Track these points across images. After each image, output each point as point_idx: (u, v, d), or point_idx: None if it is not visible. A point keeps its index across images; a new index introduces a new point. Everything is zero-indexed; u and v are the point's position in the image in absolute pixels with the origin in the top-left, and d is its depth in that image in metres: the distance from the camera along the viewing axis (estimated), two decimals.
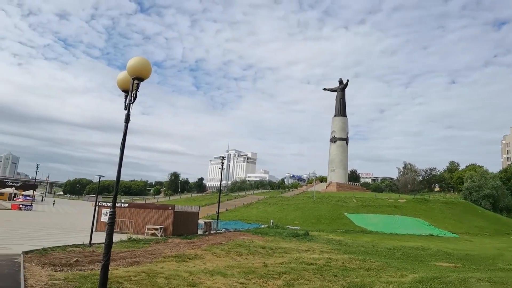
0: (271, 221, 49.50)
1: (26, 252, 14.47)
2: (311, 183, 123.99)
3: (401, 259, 21.64)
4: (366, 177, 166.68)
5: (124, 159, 6.59)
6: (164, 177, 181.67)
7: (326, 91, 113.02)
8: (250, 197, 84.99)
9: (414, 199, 69.19)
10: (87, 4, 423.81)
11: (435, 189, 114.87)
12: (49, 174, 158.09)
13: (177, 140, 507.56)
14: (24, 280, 9.50)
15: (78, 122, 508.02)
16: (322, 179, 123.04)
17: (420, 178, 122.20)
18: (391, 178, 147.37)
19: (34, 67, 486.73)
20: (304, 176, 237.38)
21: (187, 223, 31.24)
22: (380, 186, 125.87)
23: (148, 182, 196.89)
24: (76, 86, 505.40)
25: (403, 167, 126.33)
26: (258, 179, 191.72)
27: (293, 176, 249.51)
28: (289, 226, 46.39)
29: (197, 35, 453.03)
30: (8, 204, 64.74)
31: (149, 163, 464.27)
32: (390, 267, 17.61)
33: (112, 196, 6.66)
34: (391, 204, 63.30)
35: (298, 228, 44.67)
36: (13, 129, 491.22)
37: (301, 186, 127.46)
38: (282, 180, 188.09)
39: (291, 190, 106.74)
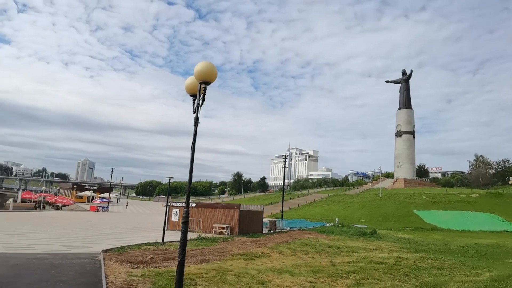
0: (336, 219, 48.63)
1: (105, 251, 15.48)
2: (376, 180, 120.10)
3: (475, 257, 20.25)
4: (435, 172, 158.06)
5: (188, 161, 6.80)
6: (227, 177, 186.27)
7: (389, 83, 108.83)
8: (314, 195, 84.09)
9: (487, 193, 64.99)
10: (149, 16, 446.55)
11: (510, 182, 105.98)
12: (122, 178, 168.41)
13: (239, 140, 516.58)
14: (105, 276, 10.16)
15: (147, 128, 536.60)
16: (388, 176, 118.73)
17: (493, 171, 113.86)
18: (462, 172, 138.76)
19: (105, 79, 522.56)
20: (369, 173, 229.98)
21: (252, 222, 31.64)
22: (451, 181, 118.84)
23: (213, 182, 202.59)
24: (143, 94, 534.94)
25: (474, 160, 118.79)
26: (320, 177, 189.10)
27: (357, 173, 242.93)
28: (355, 225, 45.29)
29: (253, 36, 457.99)
30: (87, 206, 69.94)
31: (213, 164, 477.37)
32: (464, 266, 16.55)
33: (181, 197, 6.91)
34: (462, 200, 59.66)
35: (365, 226, 43.43)
36: (88, 137, 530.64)
37: (366, 183, 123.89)
38: (346, 177, 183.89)
39: (355, 187, 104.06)
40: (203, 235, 25.17)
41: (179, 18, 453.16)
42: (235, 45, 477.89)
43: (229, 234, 28.44)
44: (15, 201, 65.52)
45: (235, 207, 30.84)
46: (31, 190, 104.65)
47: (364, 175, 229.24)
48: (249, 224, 30.84)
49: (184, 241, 6.46)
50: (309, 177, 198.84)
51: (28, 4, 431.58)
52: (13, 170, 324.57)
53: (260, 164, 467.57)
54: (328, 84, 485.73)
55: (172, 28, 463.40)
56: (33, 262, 12.03)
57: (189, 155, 6.73)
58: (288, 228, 39.31)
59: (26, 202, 67.53)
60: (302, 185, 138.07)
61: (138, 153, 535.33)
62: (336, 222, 46.79)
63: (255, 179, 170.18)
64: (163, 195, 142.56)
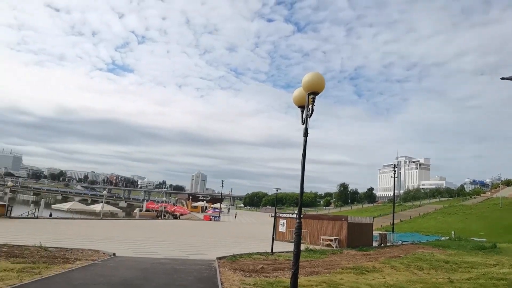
0: (453, 232, 44.49)
1: (220, 258, 16.31)
2: (495, 188, 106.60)
3: None
4: None
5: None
6: (332, 188, 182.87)
7: (505, 80, 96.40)
8: (426, 206, 78.10)
9: None
10: (250, 35, 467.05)
11: None
12: (231, 189, 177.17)
13: (343, 150, 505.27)
14: (221, 283, 10.70)
15: (252, 141, 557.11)
16: (509, 183, 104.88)
17: None
18: None
19: (213, 97, 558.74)
20: (487, 181, 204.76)
21: (361, 234, 30.49)
22: None
23: (318, 193, 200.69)
24: (247, 109, 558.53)
25: None
26: (433, 186, 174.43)
27: (473, 181, 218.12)
28: (473, 238, 40.89)
29: (354, 43, 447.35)
30: (201, 215, 74.77)
31: (317, 174, 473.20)
32: None
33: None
34: None
35: (484, 240, 38.92)
36: (201, 152, 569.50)
37: (484, 192, 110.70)
38: (461, 186, 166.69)
39: (472, 197, 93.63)
40: (311, 247, 25.00)
41: (278, 34, 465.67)
42: (335, 53, 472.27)
43: (337, 246, 27.77)
44: (140, 210, 73.23)
45: (343, 219, 30.05)
46: (154, 201, 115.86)
47: (482, 183, 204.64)
48: (358, 237, 29.75)
49: (297, 252, 6.51)
50: (421, 187, 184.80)
51: (146, 36, 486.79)
52: (138, 183, 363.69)
53: (367, 174, 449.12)
54: (437, 85, 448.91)
55: (272, 44, 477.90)
56: (158, 266, 13.23)
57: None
58: (400, 241, 37.08)
59: (150, 211, 74.96)
60: (413, 195, 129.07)
61: (244, 165, 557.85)
62: (452, 235, 42.91)
63: (361, 189, 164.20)
64: (269, 205, 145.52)
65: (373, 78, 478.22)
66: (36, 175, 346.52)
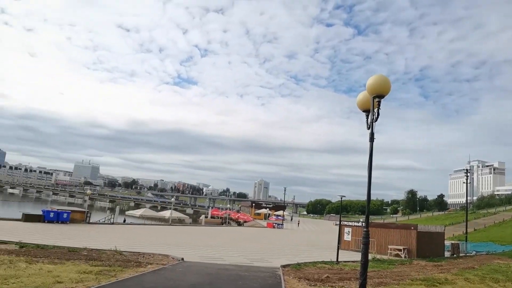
0: None
1: (284, 266, 16.27)
2: None
3: None
4: None
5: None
6: (399, 195, 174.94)
7: None
8: (502, 214, 72.13)
9: None
10: (310, 41, 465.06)
11: None
12: (294, 196, 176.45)
13: (410, 155, 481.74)
14: None
15: (314, 147, 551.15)
16: None
17: None
18: None
19: (274, 105, 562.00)
20: None
21: (431, 244, 28.85)
22: None
23: (384, 201, 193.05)
24: (308, 115, 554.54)
25: None
26: (509, 192, 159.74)
27: None
28: None
29: (417, 42, 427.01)
30: (264, 222, 75.21)
31: (383, 181, 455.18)
32: None
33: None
34: None
35: None
36: (263, 159, 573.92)
37: None
38: None
39: None
40: (378, 256, 24.10)
41: (338, 38, 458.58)
42: (399, 54, 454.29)
43: (406, 256, 26.51)
44: (206, 217, 75.39)
45: (412, 228, 28.69)
46: (218, 208, 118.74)
47: None
48: (429, 247, 28.17)
49: (365, 262, 6.33)
50: (495, 193, 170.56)
51: (208, 49, 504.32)
52: (203, 190, 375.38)
53: (436, 180, 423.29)
54: (510, 83, 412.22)
55: (332, 48, 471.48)
56: (223, 272, 13.51)
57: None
58: (474, 252, 34.60)
59: (215, 218, 76.90)
60: (488, 202, 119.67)
61: (306, 172, 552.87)
62: None
63: (431, 196, 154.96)
64: (333, 213, 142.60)
65: (440, 79, 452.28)
66: (112, 183, 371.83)
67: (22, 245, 16.79)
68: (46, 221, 33.92)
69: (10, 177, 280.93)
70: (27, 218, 34.07)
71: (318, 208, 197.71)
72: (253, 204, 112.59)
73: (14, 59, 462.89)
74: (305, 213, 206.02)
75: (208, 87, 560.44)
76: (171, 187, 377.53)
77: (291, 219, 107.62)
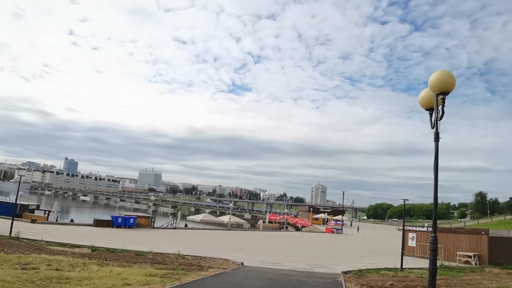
0: None
1: (345, 272, 15.90)
2: None
3: None
4: None
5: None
6: (467, 198, 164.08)
7: None
8: None
9: None
10: (364, 40, 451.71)
11: None
12: (353, 200, 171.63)
13: (477, 155, 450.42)
14: None
15: (372, 149, 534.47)
16: None
17: None
18: None
19: (329, 107, 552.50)
20: None
21: (506, 250, 26.65)
22: None
23: (450, 204, 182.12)
24: (365, 117, 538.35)
25: None
26: None
27: None
28: None
29: (480, 35, 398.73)
30: (322, 228, 74.01)
31: (448, 183, 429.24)
32: None
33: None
34: None
35: None
36: (319, 163, 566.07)
37: None
38: None
39: None
40: (445, 263, 22.76)
41: (394, 35, 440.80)
42: (460, 48, 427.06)
43: (477, 263, 24.77)
44: (263, 222, 75.75)
45: (483, 233, 26.77)
46: (276, 213, 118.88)
47: None
48: (502, 253, 26.07)
49: (433, 269, 6.03)
50: None
51: (261, 55, 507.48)
52: (260, 195, 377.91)
53: (508, 181, 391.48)
54: None
55: (388, 47, 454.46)
56: (283, 277, 13.48)
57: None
58: None
59: (272, 223, 77.05)
60: None
61: (365, 176, 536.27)
62: None
63: (502, 199, 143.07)
64: (395, 218, 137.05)
65: (508, 72, 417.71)
66: (173, 190, 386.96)
67: (94, 249, 17.95)
68: (114, 226, 35.98)
69: (82, 185, 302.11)
70: (98, 223, 36.37)
71: (378, 213, 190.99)
72: (311, 209, 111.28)
73: (83, 77, 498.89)
74: (365, 217, 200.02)
75: (262, 92, 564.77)
76: (229, 193, 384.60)
77: (351, 224, 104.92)
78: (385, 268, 18.50)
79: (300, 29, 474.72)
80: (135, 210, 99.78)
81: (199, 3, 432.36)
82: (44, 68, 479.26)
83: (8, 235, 20.69)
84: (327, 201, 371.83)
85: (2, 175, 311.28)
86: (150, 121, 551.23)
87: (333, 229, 65.54)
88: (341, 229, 66.92)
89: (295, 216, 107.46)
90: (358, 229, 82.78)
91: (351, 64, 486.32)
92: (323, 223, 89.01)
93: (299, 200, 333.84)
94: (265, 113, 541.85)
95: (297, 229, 73.82)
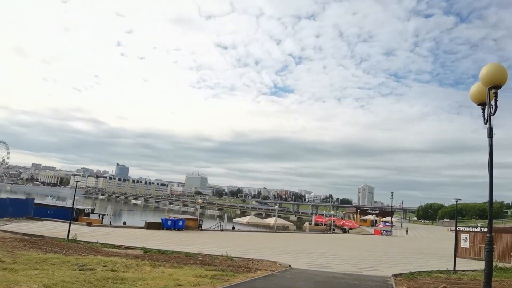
0: None
1: (396, 275, 15.52)
2: None
3: None
4: None
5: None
6: None
7: None
8: None
9: None
10: (408, 35, 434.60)
11: None
12: (402, 201, 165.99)
13: None
14: None
15: (421, 147, 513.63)
16: None
17: None
18: None
19: (374, 106, 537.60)
20: None
21: None
22: None
23: (504, 203, 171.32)
24: (412, 114, 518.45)
25: None
26: None
27: None
28: None
29: None
30: (371, 229, 72.30)
31: (502, 181, 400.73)
32: None
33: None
34: None
35: None
36: (366, 163, 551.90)
37: None
38: None
39: None
40: (500, 264, 21.55)
41: (439, 28, 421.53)
42: (508, 39, 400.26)
43: None
44: (309, 223, 75.15)
45: None
46: (322, 214, 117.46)
47: None
48: None
49: (489, 271, 5.85)
50: None
51: (302, 56, 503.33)
52: (305, 197, 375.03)
53: None
54: None
55: (433, 40, 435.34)
56: (332, 280, 13.42)
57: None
58: None
59: (319, 225, 76.26)
60: None
61: (414, 175, 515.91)
62: None
63: None
64: (446, 218, 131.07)
65: None
66: (219, 192, 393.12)
67: (146, 250, 18.77)
68: (164, 228, 37.26)
69: (133, 190, 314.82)
70: (149, 225, 37.82)
71: (429, 213, 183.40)
72: (358, 210, 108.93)
73: (131, 86, 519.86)
74: (414, 218, 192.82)
75: (304, 93, 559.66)
76: (274, 195, 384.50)
77: (401, 226, 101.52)
78: (437, 270, 17.86)
79: (341, 27, 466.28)
80: (183, 212, 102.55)
81: (239, 8, 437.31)
82: (95, 79, 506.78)
83: (66, 237, 22.13)
84: (375, 202, 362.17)
85: (59, 181, 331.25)
86: (195, 126, 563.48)
87: (382, 231, 63.84)
88: (390, 231, 65.02)
89: (342, 218, 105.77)
90: (407, 231, 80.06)
91: (396, 60, 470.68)
92: (372, 225, 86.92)
93: (345, 202, 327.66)
94: (308, 114, 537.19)
95: (344, 231, 72.56)
